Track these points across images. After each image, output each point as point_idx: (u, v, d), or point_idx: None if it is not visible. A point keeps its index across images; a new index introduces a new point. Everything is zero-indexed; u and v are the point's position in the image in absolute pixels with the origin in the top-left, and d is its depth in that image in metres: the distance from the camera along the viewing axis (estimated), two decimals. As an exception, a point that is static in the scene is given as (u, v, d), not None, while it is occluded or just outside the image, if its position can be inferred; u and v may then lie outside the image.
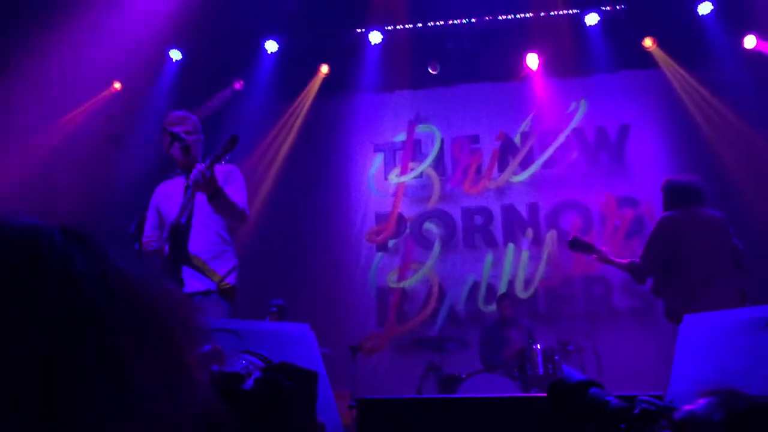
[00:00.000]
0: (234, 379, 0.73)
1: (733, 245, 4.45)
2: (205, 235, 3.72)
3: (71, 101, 7.85)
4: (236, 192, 3.81)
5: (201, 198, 3.64)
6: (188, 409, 0.54)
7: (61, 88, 7.25)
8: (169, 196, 3.85)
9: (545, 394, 1.62)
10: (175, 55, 8.26)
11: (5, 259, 0.49)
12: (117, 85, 8.28)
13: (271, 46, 8.29)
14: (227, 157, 3.52)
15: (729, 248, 4.42)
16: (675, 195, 4.56)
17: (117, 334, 0.50)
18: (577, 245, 4.85)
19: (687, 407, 1.24)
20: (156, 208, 3.85)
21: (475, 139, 8.78)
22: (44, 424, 0.45)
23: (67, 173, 7.11)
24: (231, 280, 3.75)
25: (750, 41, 7.76)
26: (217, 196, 3.54)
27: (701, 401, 1.23)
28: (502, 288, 8.09)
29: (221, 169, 3.91)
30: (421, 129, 8.86)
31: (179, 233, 3.61)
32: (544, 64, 8.44)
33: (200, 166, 3.46)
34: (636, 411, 1.35)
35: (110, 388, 0.48)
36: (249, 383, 0.73)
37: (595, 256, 4.80)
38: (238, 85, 8.64)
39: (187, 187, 3.67)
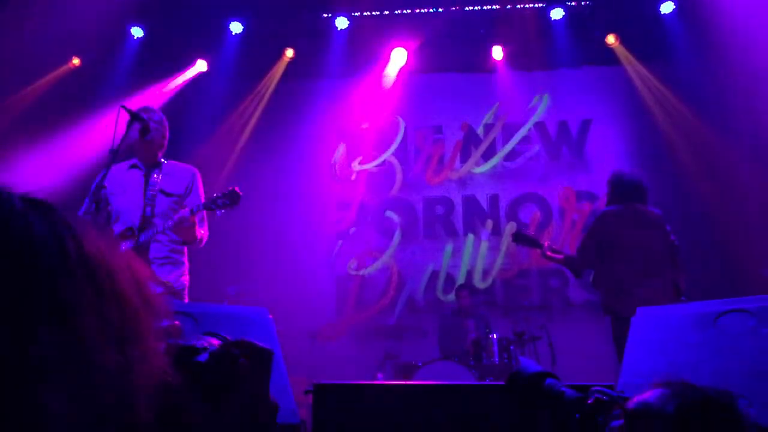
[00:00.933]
0: (189, 352, 0.73)
1: (670, 242, 4.55)
2: (157, 243, 3.69)
3: (29, 75, 7.64)
4: (196, 202, 3.78)
5: (159, 207, 3.65)
6: (141, 373, 0.55)
7: (19, 62, 7.05)
8: (123, 191, 3.76)
9: (500, 383, 1.65)
10: (137, 32, 8.08)
11: None
12: (76, 61, 8.09)
13: (236, 27, 8.17)
14: (221, 211, 3.58)
15: (666, 245, 4.51)
16: (620, 189, 4.64)
17: (71, 292, 0.51)
18: (521, 239, 4.94)
19: (639, 397, 1.26)
20: (104, 195, 3.75)
21: (438, 129, 8.80)
22: None
23: (22, 150, 6.93)
24: (181, 284, 3.75)
25: (710, 42, 7.89)
26: (187, 239, 3.59)
27: (653, 392, 1.25)
28: (460, 278, 8.15)
29: (181, 172, 3.88)
30: (384, 117, 8.85)
31: (139, 246, 3.57)
32: (509, 56, 8.49)
33: (184, 212, 3.48)
34: (590, 401, 1.38)
35: (62, 348, 0.49)
36: (204, 356, 0.74)
37: (538, 250, 4.88)
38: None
39: (148, 198, 3.68)
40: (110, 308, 0.54)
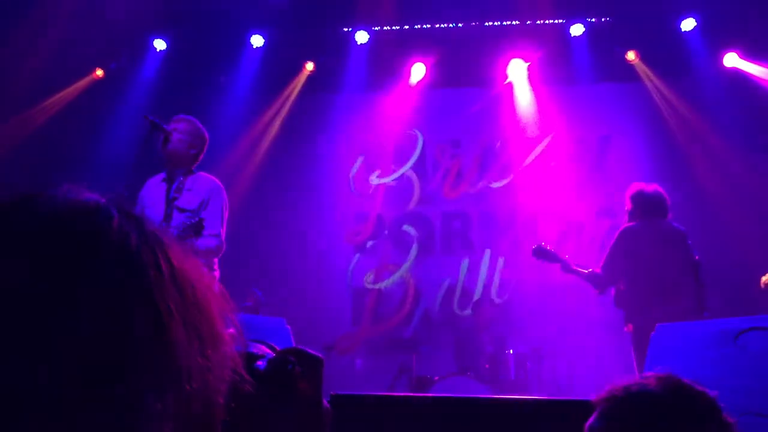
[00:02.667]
0: (249, 359, 0.75)
1: (692, 259, 4.50)
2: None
3: (53, 86, 7.76)
4: (211, 218, 3.77)
5: (174, 223, 3.65)
6: (220, 376, 0.60)
7: (44, 72, 7.16)
8: (153, 204, 3.80)
9: (517, 398, 1.65)
10: (160, 44, 8.18)
11: (71, 231, 0.54)
12: (99, 72, 8.19)
13: (257, 40, 8.24)
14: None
15: (688, 261, 4.46)
16: (642, 205, 4.59)
17: (163, 300, 0.55)
18: (541, 254, 4.89)
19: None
20: (143, 198, 3.81)
21: (456, 143, 8.81)
22: (96, 381, 0.50)
23: (46, 158, 7.03)
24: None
25: (730, 59, 7.88)
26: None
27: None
28: (477, 292, 8.12)
29: (201, 186, 3.88)
30: (403, 131, 8.87)
31: None
32: (529, 72, 8.49)
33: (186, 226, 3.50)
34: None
35: (154, 349, 0.54)
36: (263, 363, 0.77)
37: (558, 265, 4.83)
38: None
39: (170, 209, 3.70)
40: (194, 315, 0.58)
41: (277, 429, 0.75)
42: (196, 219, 3.55)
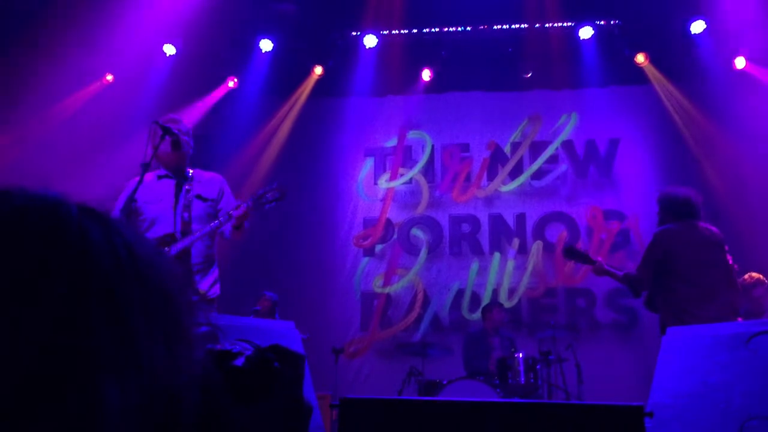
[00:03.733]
0: (226, 356, 0.75)
1: (728, 263, 4.42)
2: (199, 248, 3.77)
3: (64, 91, 7.81)
4: (229, 207, 3.89)
5: (197, 212, 3.73)
6: (186, 375, 0.58)
7: (55, 77, 7.21)
8: (159, 199, 3.84)
9: (527, 401, 1.63)
10: (169, 50, 8.22)
11: (30, 225, 0.54)
12: (109, 77, 8.24)
13: (266, 45, 8.27)
14: (270, 205, 3.68)
15: (725, 264, 4.39)
16: (672, 208, 4.50)
17: (125, 298, 0.55)
18: (572, 254, 4.81)
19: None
20: (135, 207, 3.82)
21: (465, 147, 8.81)
22: (54, 375, 0.50)
23: (56, 163, 7.07)
24: (214, 292, 3.82)
25: (740, 62, 7.85)
26: (241, 228, 3.68)
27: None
28: (486, 296, 8.11)
29: (210, 179, 3.98)
30: (412, 135, 8.88)
31: (181, 252, 3.66)
32: (537, 75, 8.48)
33: (245, 206, 3.64)
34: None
35: (116, 345, 0.53)
36: (240, 360, 0.76)
37: (590, 266, 4.75)
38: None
39: (184, 206, 3.76)
40: (158, 310, 0.58)
41: (256, 428, 0.75)
42: (274, 184, 3.74)
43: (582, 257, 4.78)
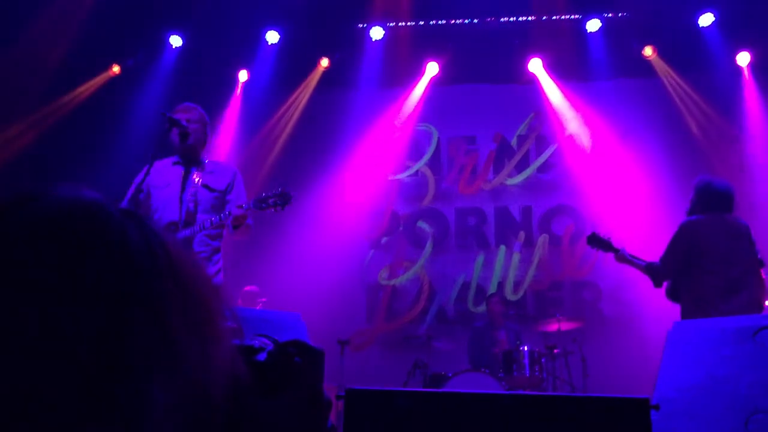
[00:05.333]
0: (249, 351, 0.76)
1: (756, 255, 4.37)
2: (200, 238, 3.79)
3: (70, 83, 7.82)
4: (238, 199, 3.92)
5: (203, 202, 3.74)
6: (220, 370, 0.61)
7: (61, 69, 7.22)
8: (167, 184, 3.86)
9: (531, 393, 1.63)
10: (176, 41, 8.21)
11: (73, 227, 0.56)
12: (116, 69, 8.24)
13: (272, 36, 8.26)
14: (270, 210, 3.67)
15: (752, 258, 4.32)
16: (707, 198, 4.41)
17: (163, 299, 0.57)
18: (595, 242, 4.77)
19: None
20: (147, 186, 3.85)
21: (472, 140, 8.79)
22: (104, 373, 0.52)
23: (63, 155, 7.10)
24: (218, 281, 3.83)
25: (743, 58, 7.79)
26: (240, 227, 3.68)
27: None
28: (492, 289, 8.11)
29: (223, 170, 4.00)
30: (418, 127, 8.86)
31: (184, 241, 3.66)
32: (544, 68, 8.45)
33: (237, 212, 3.63)
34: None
35: (157, 343, 0.55)
36: (263, 355, 0.77)
37: (612, 254, 4.72)
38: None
39: (192, 195, 3.77)
40: (193, 308, 0.60)
41: (278, 421, 0.76)
42: (279, 190, 3.71)
43: (605, 245, 4.74)
